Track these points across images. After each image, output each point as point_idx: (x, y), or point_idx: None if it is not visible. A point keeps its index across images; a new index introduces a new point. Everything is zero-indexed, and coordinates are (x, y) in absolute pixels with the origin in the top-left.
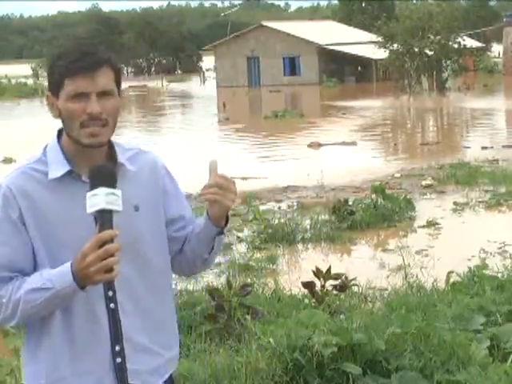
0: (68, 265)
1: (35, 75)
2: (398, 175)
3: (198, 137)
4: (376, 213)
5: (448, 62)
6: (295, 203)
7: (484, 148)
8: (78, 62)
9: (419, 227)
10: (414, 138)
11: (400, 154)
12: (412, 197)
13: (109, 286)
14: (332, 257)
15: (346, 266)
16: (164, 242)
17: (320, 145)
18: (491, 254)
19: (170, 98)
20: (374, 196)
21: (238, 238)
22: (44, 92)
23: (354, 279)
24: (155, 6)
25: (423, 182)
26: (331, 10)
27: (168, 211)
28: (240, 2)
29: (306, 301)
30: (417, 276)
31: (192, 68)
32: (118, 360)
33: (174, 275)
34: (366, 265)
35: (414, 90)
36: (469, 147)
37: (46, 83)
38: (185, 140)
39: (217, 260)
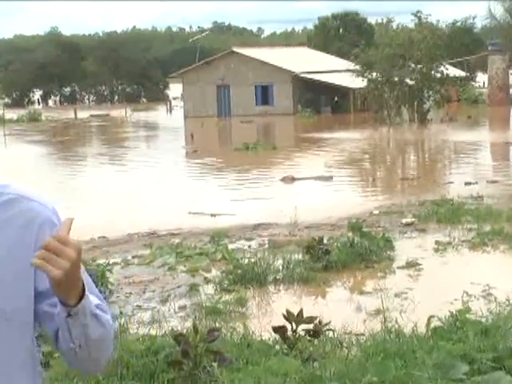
0: None
1: None
2: (376, 212)
3: (163, 171)
4: (353, 252)
5: (430, 92)
6: (267, 242)
7: (468, 184)
8: None
9: (399, 268)
10: (393, 172)
11: (379, 189)
12: (391, 235)
13: None
14: (305, 299)
15: (320, 309)
16: (22, 313)
17: (294, 179)
18: (475, 297)
19: (134, 129)
20: (350, 234)
21: (206, 278)
22: None
23: (329, 323)
24: (119, 30)
25: (403, 220)
26: (307, 36)
27: (41, 282)
28: (209, 26)
29: (277, 347)
30: (396, 320)
31: (158, 96)
32: None
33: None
34: (341, 308)
35: (393, 122)
36: (452, 182)
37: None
38: (149, 175)
39: (182, 303)
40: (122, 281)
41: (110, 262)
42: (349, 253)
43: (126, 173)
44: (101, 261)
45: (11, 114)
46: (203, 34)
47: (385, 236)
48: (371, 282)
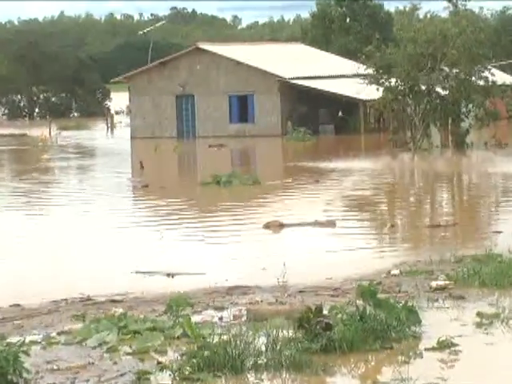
0: None
1: None
2: (396, 272)
3: (100, 215)
4: (364, 327)
5: (470, 105)
6: (244, 312)
7: None
8: None
9: (427, 350)
10: (419, 217)
11: (399, 240)
12: (417, 304)
13: None
14: None
15: None
16: None
17: (282, 226)
18: None
19: (62, 155)
20: (360, 302)
21: (159, 363)
22: None
23: None
24: (41, 17)
25: (433, 283)
26: (301, 27)
27: None
28: (166, 13)
29: None
30: None
31: (95, 109)
32: None
33: None
34: None
35: (419, 146)
36: (500, 232)
37: None
38: (81, 221)
39: None
40: (43, 367)
41: (27, 341)
42: (358, 328)
43: (48, 219)
44: (12, 339)
45: None
46: (158, 25)
47: (408, 305)
48: (389, 369)
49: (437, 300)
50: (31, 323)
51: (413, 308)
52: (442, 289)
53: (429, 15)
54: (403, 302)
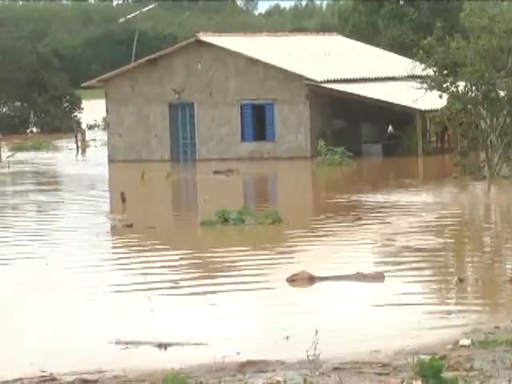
0: None
1: None
2: (466, 342)
3: (68, 266)
4: None
5: None
6: None
7: None
8: None
9: None
10: (497, 268)
11: (470, 299)
12: None
13: None
14: None
15: None
16: None
17: (312, 279)
18: None
19: (15, 185)
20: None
21: None
22: None
23: None
24: None
25: None
26: (338, 14)
27: None
28: None
29: None
30: None
31: (60, 123)
32: None
33: None
34: None
35: (497, 173)
36: None
37: None
38: (43, 274)
39: None
40: None
41: None
42: None
43: None
44: None
45: None
46: (145, 9)
47: None
48: None
49: None
50: None
51: None
52: None
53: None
54: (477, 383)
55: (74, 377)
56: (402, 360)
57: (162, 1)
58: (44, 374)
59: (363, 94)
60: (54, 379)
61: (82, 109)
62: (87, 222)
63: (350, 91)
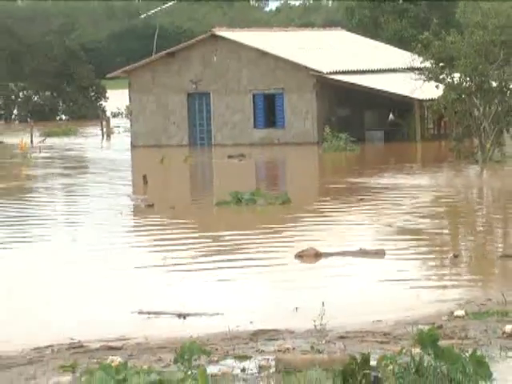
0: None
1: None
2: (460, 313)
3: (93, 242)
4: (421, 382)
5: None
6: (272, 362)
7: None
8: None
9: None
10: (489, 245)
11: (464, 273)
12: (487, 354)
13: None
14: None
15: None
16: None
17: (318, 255)
18: None
19: (46, 168)
20: (417, 351)
21: None
22: None
23: None
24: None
25: (507, 327)
26: (344, 10)
27: None
28: None
29: None
30: None
31: (87, 111)
32: None
33: None
34: None
35: (489, 157)
36: None
37: None
38: (69, 248)
39: None
40: None
41: None
42: (414, 383)
43: (29, 245)
44: None
45: None
46: (165, 6)
47: (476, 355)
48: None
49: (511, 348)
50: (8, 376)
51: (482, 358)
52: None
53: None
54: (470, 350)
55: (100, 344)
56: (402, 329)
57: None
58: (73, 341)
59: (366, 84)
60: (81, 346)
61: (107, 98)
62: (112, 202)
63: (353, 82)
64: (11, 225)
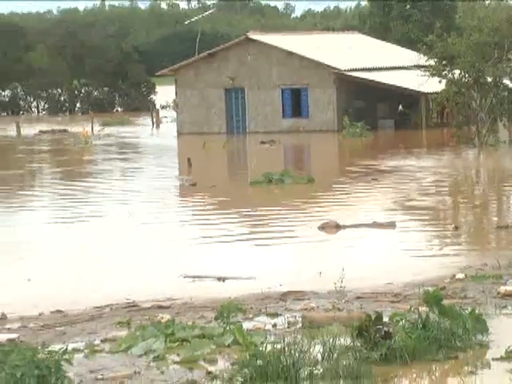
0: None
1: None
2: (461, 276)
3: (145, 215)
4: (427, 336)
5: None
6: (299, 319)
7: None
8: None
9: (495, 360)
10: (486, 217)
11: (464, 242)
12: (484, 311)
13: None
14: None
15: None
16: None
17: (338, 227)
18: None
19: (105, 152)
20: (423, 309)
21: (209, 373)
22: None
23: None
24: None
25: (501, 288)
26: (359, 16)
27: None
28: (215, 1)
29: None
30: None
31: (139, 104)
32: None
33: None
34: None
35: (485, 142)
36: None
37: None
38: (125, 221)
39: None
40: (87, 376)
41: (69, 349)
42: (421, 337)
43: (92, 223)
44: (55, 346)
45: None
46: (206, 14)
47: (474, 312)
48: (454, 380)
49: (505, 307)
50: (73, 330)
51: (479, 315)
52: (510, 295)
53: (494, 2)
54: (469, 308)
55: (152, 303)
56: (411, 290)
57: (219, 6)
58: (128, 301)
59: (378, 79)
60: (135, 305)
61: (156, 92)
62: (161, 182)
63: (368, 78)
64: (76, 202)
